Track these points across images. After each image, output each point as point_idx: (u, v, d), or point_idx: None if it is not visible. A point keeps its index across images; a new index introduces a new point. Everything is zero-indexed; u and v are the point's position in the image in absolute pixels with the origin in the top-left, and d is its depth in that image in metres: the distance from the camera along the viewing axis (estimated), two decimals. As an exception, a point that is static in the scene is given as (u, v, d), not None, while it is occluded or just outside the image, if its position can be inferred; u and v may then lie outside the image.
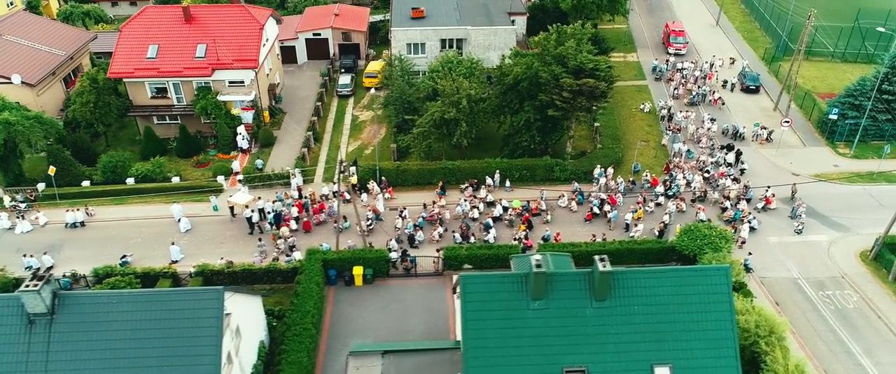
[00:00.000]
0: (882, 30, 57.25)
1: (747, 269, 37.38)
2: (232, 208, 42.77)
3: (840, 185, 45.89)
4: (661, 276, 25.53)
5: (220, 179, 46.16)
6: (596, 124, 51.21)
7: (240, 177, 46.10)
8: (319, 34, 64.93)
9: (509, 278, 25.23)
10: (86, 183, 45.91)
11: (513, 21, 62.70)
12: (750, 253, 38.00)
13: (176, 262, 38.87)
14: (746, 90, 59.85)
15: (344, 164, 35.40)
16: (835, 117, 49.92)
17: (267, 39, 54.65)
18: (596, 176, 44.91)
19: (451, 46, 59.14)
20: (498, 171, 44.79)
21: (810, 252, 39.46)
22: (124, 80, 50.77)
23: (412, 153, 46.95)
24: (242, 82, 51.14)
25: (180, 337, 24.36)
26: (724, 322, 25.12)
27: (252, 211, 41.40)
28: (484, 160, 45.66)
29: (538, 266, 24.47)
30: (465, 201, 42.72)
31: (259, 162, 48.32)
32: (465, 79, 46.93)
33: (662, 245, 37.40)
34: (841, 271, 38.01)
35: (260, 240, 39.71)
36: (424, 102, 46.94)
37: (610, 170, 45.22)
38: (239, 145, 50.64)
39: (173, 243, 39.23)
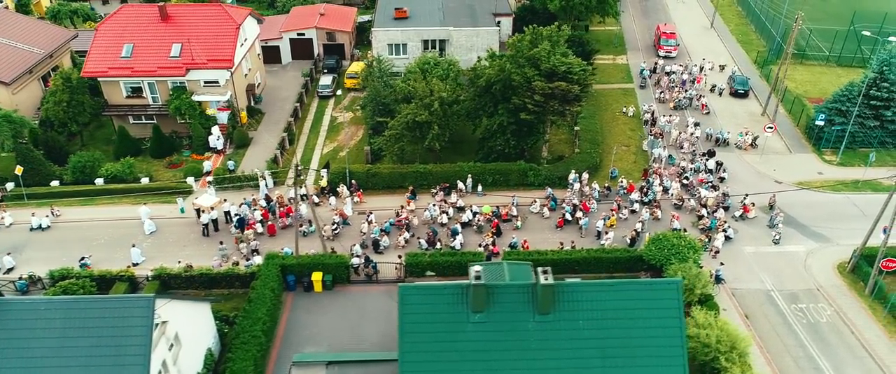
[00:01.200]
0: (867, 33, 55.61)
1: (718, 280, 36.23)
2: (199, 210, 42.12)
3: (823, 193, 44.53)
4: (608, 289, 24.55)
5: (190, 180, 45.54)
6: (576, 128, 50.13)
7: (209, 179, 45.47)
8: (303, 34, 64.26)
9: (449, 289, 24.34)
10: (55, 183, 45.47)
11: (498, 22, 61.78)
12: (721, 263, 36.82)
13: (136, 264, 38.25)
14: (735, 94, 58.51)
15: (300, 168, 34.57)
16: (821, 123, 48.51)
17: (245, 39, 54.03)
18: (570, 181, 43.85)
19: (433, 47, 58.32)
20: (470, 175, 43.85)
21: (786, 263, 38.20)
22: (99, 79, 50.32)
23: (384, 156, 46.13)
24: (217, 82, 50.53)
25: (108, 345, 23.70)
26: (674, 338, 24.11)
27: (201, 213, 40.68)
28: (457, 164, 44.75)
29: (477, 278, 23.55)
30: (435, 205, 41.83)
31: (231, 163, 47.67)
32: (440, 81, 46.03)
33: (631, 254, 36.30)
34: (816, 283, 36.74)
35: (221, 243, 39.04)
36: (399, 104, 46.05)
37: (585, 175, 44.14)
38: (212, 146, 50.04)
39: (134, 246, 38.64)
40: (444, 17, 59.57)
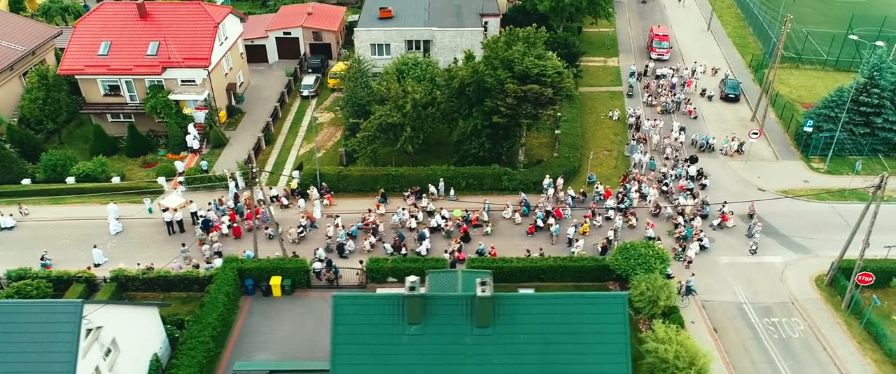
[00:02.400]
0: (855, 37, 53.83)
1: (690, 291, 35.02)
2: (166, 211, 41.55)
3: (807, 202, 43.07)
4: (551, 302, 23.54)
5: (161, 180, 44.99)
6: (556, 132, 49.06)
7: (181, 179, 44.94)
8: (290, 33, 63.73)
9: (385, 300, 23.44)
10: (26, 181, 45.16)
11: (486, 23, 60.70)
12: (693, 274, 35.61)
13: (98, 265, 37.72)
14: (726, 99, 57.07)
15: (256, 170, 33.82)
16: (810, 130, 47.02)
17: (225, 38, 53.52)
18: (545, 187, 42.78)
19: (417, 48, 57.41)
20: (442, 179, 42.93)
21: (762, 275, 36.88)
22: (76, 77, 50.01)
23: (357, 158, 45.31)
24: (194, 81, 50.03)
25: (34, 352, 23.10)
26: (618, 355, 23.03)
27: (169, 213, 40.18)
28: (430, 167, 43.86)
29: (412, 289, 22.63)
30: (404, 209, 40.96)
31: (204, 163, 47.12)
32: (415, 82, 45.13)
33: (598, 263, 35.18)
34: (792, 296, 35.41)
35: (183, 245, 38.41)
36: (374, 105, 45.19)
37: (560, 181, 43.03)
38: (189, 145, 49.56)
39: (95, 247, 38.12)
40: (430, 17, 58.62)
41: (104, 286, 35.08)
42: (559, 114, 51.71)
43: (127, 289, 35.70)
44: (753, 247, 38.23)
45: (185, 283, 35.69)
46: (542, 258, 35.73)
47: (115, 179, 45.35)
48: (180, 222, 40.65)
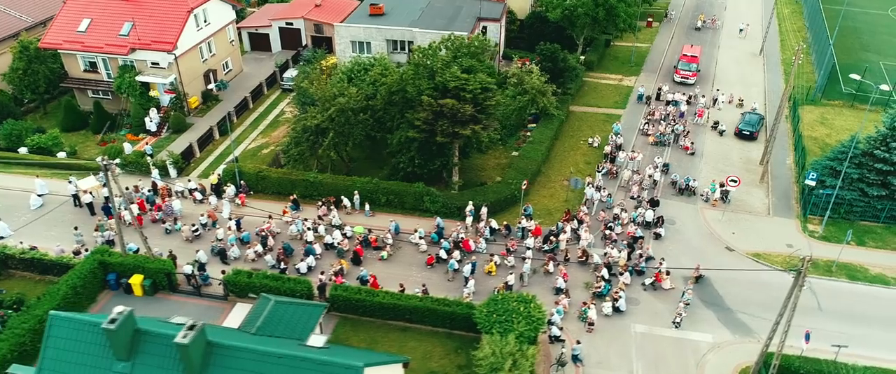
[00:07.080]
0: (857, 77, 43.89)
1: (575, 359, 29.48)
2: (89, 191, 41.38)
3: (780, 272, 35.34)
4: (273, 362, 19.81)
5: (100, 159, 44.87)
6: (514, 153, 44.09)
7: (117, 161, 44.69)
8: (292, 24, 62.61)
9: (99, 328, 20.70)
10: (-14, 147, 46.95)
11: (484, 28, 56.28)
12: (578, 342, 29.90)
13: (1, 238, 37.99)
14: (740, 135, 49.00)
15: (106, 161, 32.26)
16: (812, 183, 38.84)
17: (206, 23, 53.00)
18: (466, 214, 38.20)
19: (401, 49, 54.21)
20: (357, 192, 39.56)
21: (678, 354, 30.41)
22: (58, 51, 51.42)
23: (286, 161, 42.96)
24: (159, 64, 49.88)
25: None
26: (340, 438, 18.92)
27: (90, 196, 39.83)
28: (351, 178, 40.63)
29: (113, 321, 19.74)
30: (304, 220, 38.05)
31: (148, 147, 46.75)
32: (358, 85, 42.04)
33: (469, 311, 30.38)
34: (701, 387, 28.89)
35: (76, 228, 37.83)
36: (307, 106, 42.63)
37: (484, 209, 38.22)
38: (148, 128, 49.54)
39: (-1, 219, 38.50)
40: (420, 17, 55.08)
41: (-17, 261, 35.12)
42: (528, 134, 46.84)
43: (7, 267, 35.57)
44: (677, 319, 31.69)
45: (58, 267, 34.95)
46: (410, 297, 31.44)
47: (61, 155, 45.99)
48: (90, 205, 40.27)
